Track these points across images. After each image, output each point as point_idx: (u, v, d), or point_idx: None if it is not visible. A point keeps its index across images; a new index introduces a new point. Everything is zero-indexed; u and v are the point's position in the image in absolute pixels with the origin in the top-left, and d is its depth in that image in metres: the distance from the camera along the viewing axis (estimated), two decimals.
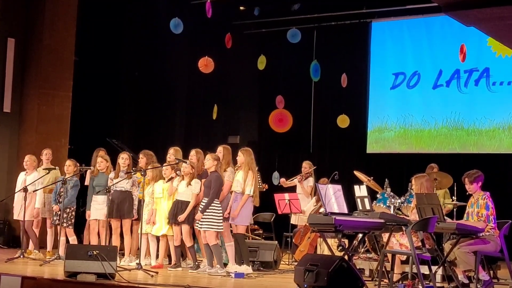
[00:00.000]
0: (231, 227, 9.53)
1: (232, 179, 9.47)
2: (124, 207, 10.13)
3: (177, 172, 9.81)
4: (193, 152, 9.90)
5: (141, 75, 14.90)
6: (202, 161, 9.72)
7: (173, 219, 9.58)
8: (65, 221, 10.36)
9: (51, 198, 10.84)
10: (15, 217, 11.07)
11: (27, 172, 11.00)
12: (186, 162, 9.68)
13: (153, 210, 9.97)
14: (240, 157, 9.42)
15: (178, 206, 9.57)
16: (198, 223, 9.32)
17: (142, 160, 10.36)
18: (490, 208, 7.99)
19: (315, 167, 11.78)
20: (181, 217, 9.43)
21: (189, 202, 9.53)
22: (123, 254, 10.24)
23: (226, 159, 9.68)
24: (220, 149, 9.73)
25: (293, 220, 11.36)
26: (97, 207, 10.31)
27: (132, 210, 10.20)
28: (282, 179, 12.02)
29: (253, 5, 14.65)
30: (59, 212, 10.37)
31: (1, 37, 12.84)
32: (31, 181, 10.74)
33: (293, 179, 11.82)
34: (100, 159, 10.50)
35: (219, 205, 9.28)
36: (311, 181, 11.65)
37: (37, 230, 11.01)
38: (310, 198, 11.48)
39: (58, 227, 10.38)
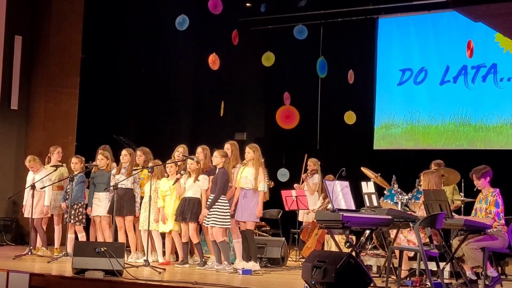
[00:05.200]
0: (238, 224, 9.53)
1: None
2: (125, 205, 10.14)
3: (181, 172, 9.78)
4: (199, 149, 9.90)
5: (147, 72, 14.91)
6: (209, 158, 9.72)
7: (180, 216, 9.58)
8: (73, 217, 10.40)
9: (59, 196, 10.88)
10: (25, 215, 11.04)
11: (34, 172, 11.00)
12: (193, 159, 9.68)
13: (159, 208, 9.97)
14: (250, 153, 9.40)
15: (186, 203, 9.58)
16: (205, 219, 9.32)
17: (141, 157, 10.36)
18: (500, 205, 7.97)
19: (317, 169, 11.70)
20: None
21: (197, 198, 9.54)
22: (129, 251, 10.26)
23: (235, 155, 9.69)
24: (227, 146, 9.75)
25: (300, 216, 11.35)
26: (99, 204, 10.36)
27: (134, 207, 10.20)
28: (296, 185, 11.84)
29: (259, 2, 14.64)
30: (67, 209, 10.40)
31: (8, 34, 12.86)
32: (39, 178, 10.76)
33: (302, 179, 11.74)
34: (101, 157, 10.53)
35: (226, 202, 9.28)
36: (316, 178, 11.60)
37: (44, 227, 11.03)
38: (317, 195, 11.45)
39: (67, 224, 10.42)
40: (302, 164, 11.93)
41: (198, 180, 9.57)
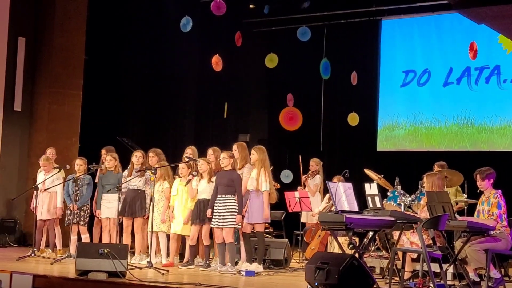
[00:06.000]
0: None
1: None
2: (136, 206, 10.15)
3: (193, 173, 9.79)
4: (210, 151, 9.93)
5: (151, 73, 14.92)
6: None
7: (198, 218, 9.57)
8: (82, 219, 10.44)
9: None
10: (39, 218, 10.90)
11: (45, 173, 10.99)
12: (196, 161, 9.68)
13: (166, 209, 9.97)
14: (254, 155, 9.42)
15: (201, 206, 9.56)
16: (219, 221, 9.27)
17: (153, 158, 10.36)
18: (502, 206, 7.97)
19: (319, 170, 11.67)
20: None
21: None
22: (133, 253, 10.26)
23: (242, 155, 9.68)
24: (235, 147, 9.73)
25: (304, 218, 11.35)
26: (108, 206, 10.34)
27: (144, 209, 10.20)
28: (300, 188, 11.84)
29: (263, 3, 14.64)
30: (75, 211, 10.39)
31: (12, 36, 12.89)
32: (47, 179, 10.76)
33: (303, 182, 11.71)
34: (110, 158, 10.53)
35: (236, 203, 9.30)
36: (317, 179, 11.58)
37: (45, 229, 11.03)
38: (319, 196, 11.43)
39: (70, 225, 10.43)
40: (304, 166, 11.93)
41: (213, 182, 9.56)
